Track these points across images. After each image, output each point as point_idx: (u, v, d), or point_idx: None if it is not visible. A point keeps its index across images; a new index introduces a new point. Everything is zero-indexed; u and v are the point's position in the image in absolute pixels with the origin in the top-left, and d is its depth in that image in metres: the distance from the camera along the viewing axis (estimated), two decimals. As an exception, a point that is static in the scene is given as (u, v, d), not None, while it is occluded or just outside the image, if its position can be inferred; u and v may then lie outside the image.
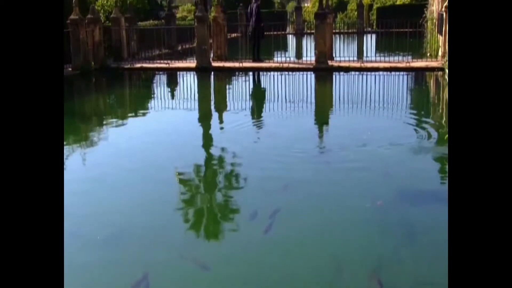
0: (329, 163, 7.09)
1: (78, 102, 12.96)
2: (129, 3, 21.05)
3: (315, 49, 15.89)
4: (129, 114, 11.50)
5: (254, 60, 16.81)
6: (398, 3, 36.07)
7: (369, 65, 15.67)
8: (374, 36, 24.40)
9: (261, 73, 16.14)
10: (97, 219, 5.26)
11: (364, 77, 14.70)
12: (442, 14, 15.49)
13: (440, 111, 10.68)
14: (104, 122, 10.58)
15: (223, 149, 7.86)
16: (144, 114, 11.43)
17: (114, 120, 10.85)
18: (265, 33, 17.36)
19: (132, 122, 10.43)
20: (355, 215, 5.24)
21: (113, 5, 20.18)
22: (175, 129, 9.66)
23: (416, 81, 14.97)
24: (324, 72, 15.32)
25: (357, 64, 15.78)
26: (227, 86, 15.36)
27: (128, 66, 17.02)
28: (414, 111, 10.70)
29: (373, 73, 14.98)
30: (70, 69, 15.72)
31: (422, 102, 12.06)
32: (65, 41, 15.17)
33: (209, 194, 6.16)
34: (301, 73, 15.56)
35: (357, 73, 15.16)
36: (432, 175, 6.58)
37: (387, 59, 16.86)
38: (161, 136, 8.94)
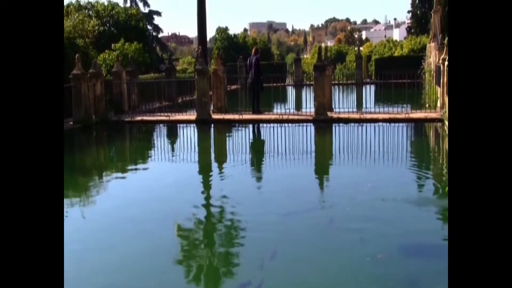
0: (329, 216, 6.98)
1: (78, 156, 12.96)
2: (130, 57, 21.46)
3: (314, 100, 16.03)
4: (129, 168, 11.47)
5: (254, 112, 16.94)
6: (396, 54, 36.77)
7: (368, 116, 15.77)
8: (373, 87, 24.72)
9: (261, 125, 16.21)
10: (88, 280, 5.14)
11: (364, 128, 14.76)
12: (439, 66, 15.72)
13: (441, 162, 10.64)
14: (104, 176, 10.55)
15: (221, 204, 7.78)
16: (144, 167, 11.39)
17: (114, 173, 10.81)
18: (264, 84, 17.59)
19: (132, 176, 10.38)
20: (355, 268, 5.12)
21: (114, 59, 20.54)
22: (175, 183, 9.59)
23: (415, 132, 15.02)
24: (323, 123, 15.40)
25: (357, 115, 15.88)
26: (227, 138, 15.40)
27: (129, 119, 17.13)
28: (415, 163, 10.67)
29: (372, 124, 15.05)
30: (71, 122, 15.82)
31: (422, 154, 12.04)
32: (67, 95, 15.38)
33: (207, 250, 6.03)
34: (300, 124, 15.62)
35: (356, 124, 15.23)
36: (434, 228, 6.46)
37: (386, 110, 16.99)
38: (160, 190, 8.88)
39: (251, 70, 17.29)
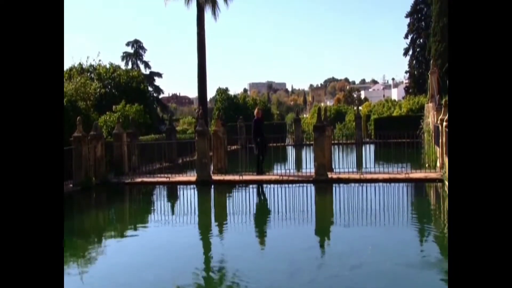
0: (329, 281, 6.84)
1: (77, 219, 12.84)
2: (131, 119, 21.69)
3: (314, 161, 16.08)
4: (128, 230, 11.34)
5: (258, 173, 16.88)
6: (394, 114, 37.21)
7: (368, 176, 15.76)
8: (372, 146, 24.84)
9: (261, 185, 16.17)
10: None
11: (364, 188, 14.72)
12: (438, 126, 15.87)
13: (442, 223, 10.53)
14: (103, 239, 10.42)
15: (221, 267, 7.67)
16: (143, 230, 11.25)
17: (113, 236, 10.69)
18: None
19: (131, 239, 10.24)
20: None
21: (115, 120, 20.76)
22: (174, 245, 9.46)
23: (416, 193, 14.96)
24: (324, 184, 15.38)
25: (357, 176, 15.88)
26: (228, 200, 15.31)
27: (129, 180, 17.12)
28: (416, 224, 10.56)
29: (372, 184, 15.03)
30: (71, 185, 15.80)
31: (423, 214, 11.93)
32: (67, 158, 15.45)
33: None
34: (301, 185, 15.60)
35: (357, 184, 15.20)
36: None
37: (386, 169, 17.01)
38: (159, 252, 8.74)
39: (254, 132, 17.35)
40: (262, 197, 15.48)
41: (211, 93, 58.45)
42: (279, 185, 15.61)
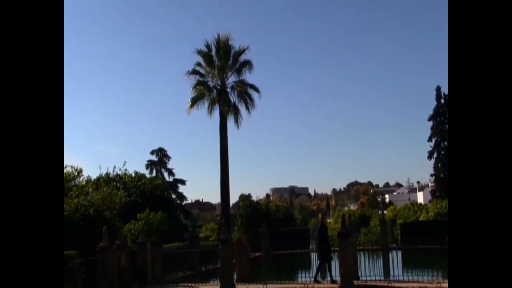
0: None
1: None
2: (155, 227, 21.82)
3: (340, 268, 15.68)
4: None
5: (332, 281, 16.25)
6: (421, 218, 36.57)
7: (397, 285, 15.18)
8: (399, 252, 24.20)
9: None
10: None
11: (393, 298, 14.16)
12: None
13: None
14: None
15: None
16: None
17: None
18: (286, 252, 17.42)
19: None
20: None
21: (140, 229, 20.90)
22: None
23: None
24: (351, 293, 14.87)
25: (384, 284, 15.35)
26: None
27: (152, 291, 16.85)
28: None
29: (402, 293, 14.47)
30: (94, 295, 15.63)
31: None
32: (93, 267, 15.52)
33: None
34: (327, 294, 15.09)
35: (385, 293, 14.66)
36: None
37: (415, 278, 16.40)
38: None
39: (319, 239, 17.11)
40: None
41: (233, 199, 58.70)
42: (304, 294, 15.14)
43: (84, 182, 26.89)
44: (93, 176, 29.69)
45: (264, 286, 16.17)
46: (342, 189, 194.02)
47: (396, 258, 21.09)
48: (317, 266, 16.79)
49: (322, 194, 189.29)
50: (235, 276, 17.23)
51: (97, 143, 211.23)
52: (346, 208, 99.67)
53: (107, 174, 30.62)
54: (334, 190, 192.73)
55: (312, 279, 16.41)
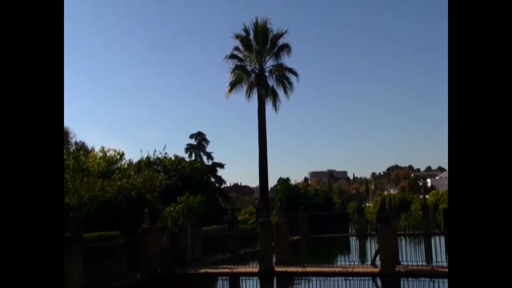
0: None
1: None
2: (195, 210, 22.10)
3: (380, 254, 15.52)
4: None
5: (373, 265, 16.27)
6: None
7: (440, 270, 14.90)
8: (442, 238, 23.74)
9: (324, 278, 15.65)
10: None
11: (436, 284, 13.90)
12: None
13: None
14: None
15: None
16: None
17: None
18: (325, 235, 17.37)
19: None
20: None
21: (180, 211, 21.22)
22: None
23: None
24: (391, 278, 14.71)
25: (427, 269, 15.09)
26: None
27: (193, 271, 17.13)
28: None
29: (445, 279, 14.16)
30: (138, 276, 15.98)
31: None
32: (135, 249, 15.91)
33: None
34: (366, 278, 14.99)
35: (427, 279, 14.39)
36: None
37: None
38: None
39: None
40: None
41: (272, 182, 58.87)
42: (343, 278, 15.09)
43: (126, 165, 27.45)
44: (135, 160, 30.31)
45: (303, 269, 16.20)
46: (382, 173, 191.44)
47: (439, 243, 20.69)
48: (376, 249, 16.59)
49: (361, 178, 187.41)
50: (274, 259, 17.32)
51: (138, 127, 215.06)
52: (386, 193, 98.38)
53: (147, 157, 31.17)
54: (373, 174, 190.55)
55: (358, 262, 16.33)
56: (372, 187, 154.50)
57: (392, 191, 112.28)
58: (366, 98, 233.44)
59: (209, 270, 17.17)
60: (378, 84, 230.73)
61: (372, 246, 21.45)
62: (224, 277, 16.86)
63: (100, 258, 14.77)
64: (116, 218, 17.11)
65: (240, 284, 16.23)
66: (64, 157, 24.10)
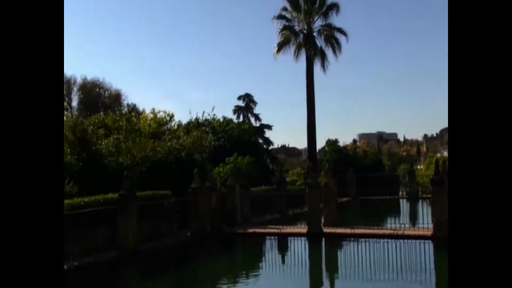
0: None
1: (193, 267, 13.21)
2: (243, 171, 22.23)
3: (432, 216, 15.22)
4: (240, 279, 11.46)
5: None
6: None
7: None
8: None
9: (374, 240, 15.52)
10: None
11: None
12: None
13: None
14: (217, 286, 10.67)
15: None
16: (255, 278, 11.33)
17: (226, 283, 10.90)
18: (374, 197, 17.18)
19: (244, 286, 10.37)
20: None
21: (228, 172, 21.40)
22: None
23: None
24: (444, 241, 14.37)
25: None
26: (339, 253, 14.92)
27: (241, 231, 17.39)
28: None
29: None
30: (189, 233, 16.37)
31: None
32: (185, 208, 16.25)
33: None
34: (417, 241, 14.72)
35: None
36: None
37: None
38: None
39: None
40: (375, 253, 14.81)
41: (320, 144, 58.40)
42: (393, 240, 14.92)
43: (175, 126, 27.78)
44: (184, 121, 30.63)
45: (352, 230, 16.13)
46: (435, 135, 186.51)
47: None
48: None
49: (412, 140, 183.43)
50: (322, 220, 17.30)
51: (187, 89, 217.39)
52: (438, 155, 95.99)
53: (196, 119, 31.42)
54: (425, 136, 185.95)
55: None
56: (424, 149, 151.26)
57: (445, 154, 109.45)
58: (419, 57, 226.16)
59: (257, 230, 17.37)
60: (431, 43, 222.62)
61: (424, 210, 21.07)
62: (272, 237, 17.01)
63: (152, 216, 15.19)
64: (166, 177, 17.45)
65: (289, 244, 16.35)
66: (117, 118, 24.64)
